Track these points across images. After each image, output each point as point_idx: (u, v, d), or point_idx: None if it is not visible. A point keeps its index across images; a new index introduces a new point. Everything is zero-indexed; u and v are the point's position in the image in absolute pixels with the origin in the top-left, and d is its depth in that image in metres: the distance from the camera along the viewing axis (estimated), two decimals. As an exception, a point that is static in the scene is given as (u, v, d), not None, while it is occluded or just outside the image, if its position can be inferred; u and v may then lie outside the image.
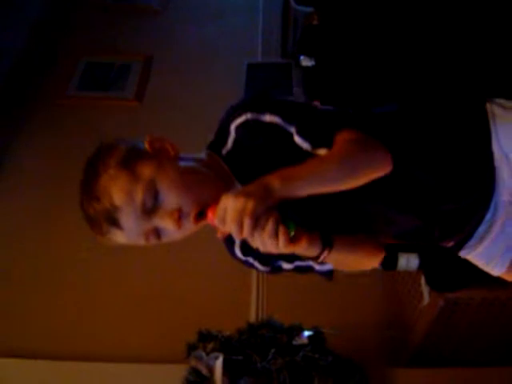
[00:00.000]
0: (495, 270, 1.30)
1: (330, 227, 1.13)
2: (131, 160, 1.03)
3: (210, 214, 0.98)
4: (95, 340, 2.49)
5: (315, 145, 1.04)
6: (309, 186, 0.95)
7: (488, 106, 1.19)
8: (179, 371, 2.16)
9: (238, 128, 1.06)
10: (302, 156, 1.01)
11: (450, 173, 1.18)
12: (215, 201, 0.95)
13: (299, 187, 0.94)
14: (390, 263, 2.15)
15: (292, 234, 0.95)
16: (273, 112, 1.05)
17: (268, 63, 3.87)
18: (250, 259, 1.24)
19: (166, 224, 1.01)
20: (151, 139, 1.08)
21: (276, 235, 0.91)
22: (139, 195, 1.00)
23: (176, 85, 3.74)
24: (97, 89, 3.76)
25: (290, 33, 3.64)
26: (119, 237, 1.04)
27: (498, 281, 1.40)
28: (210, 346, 2.19)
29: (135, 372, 2.33)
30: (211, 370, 2.11)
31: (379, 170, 1.04)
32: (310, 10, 3.27)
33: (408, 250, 1.74)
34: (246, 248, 1.18)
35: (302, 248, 1.01)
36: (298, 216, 1.05)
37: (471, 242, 1.26)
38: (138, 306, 2.56)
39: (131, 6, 4.34)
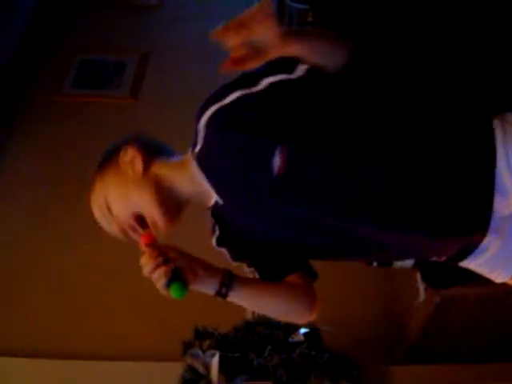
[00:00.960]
0: (499, 279, 1.21)
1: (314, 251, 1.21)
2: (106, 171, 1.18)
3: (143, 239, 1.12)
4: (92, 338, 2.49)
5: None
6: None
7: (497, 123, 1.11)
8: (176, 369, 2.16)
9: (208, 124, 1.09)
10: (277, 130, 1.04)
11: (446, 201, 1.08)
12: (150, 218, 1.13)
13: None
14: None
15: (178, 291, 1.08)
16: (233, 90, 1.08)
17: (263, 60, 3.86)
18: (224, 250, 1.29)
19: (117, 233, 1.17)
20: (124, 152, 1.18)
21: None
22: (101, 207, 1.16)
23: (172, 82, 3.72)
24: (92, 86, 3.74)
25: (285, 30, 3.63)
26: None
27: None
28: (207, 343, 2.19)
29: (132, 370, 2.33)
30: (207, 367, 2.12)
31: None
32: (304, 7, 3.26)
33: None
34: (221, 240, 1.26)
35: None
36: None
37: (470, 256, 1.16)
38: (135, 304, 2.56)
39: (128, 2, 4.32)
